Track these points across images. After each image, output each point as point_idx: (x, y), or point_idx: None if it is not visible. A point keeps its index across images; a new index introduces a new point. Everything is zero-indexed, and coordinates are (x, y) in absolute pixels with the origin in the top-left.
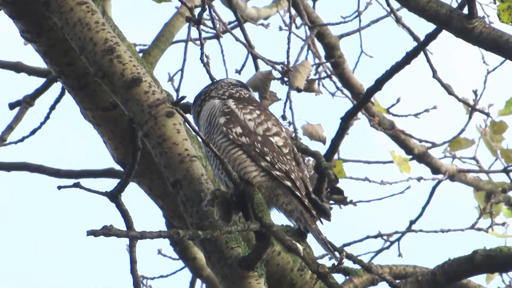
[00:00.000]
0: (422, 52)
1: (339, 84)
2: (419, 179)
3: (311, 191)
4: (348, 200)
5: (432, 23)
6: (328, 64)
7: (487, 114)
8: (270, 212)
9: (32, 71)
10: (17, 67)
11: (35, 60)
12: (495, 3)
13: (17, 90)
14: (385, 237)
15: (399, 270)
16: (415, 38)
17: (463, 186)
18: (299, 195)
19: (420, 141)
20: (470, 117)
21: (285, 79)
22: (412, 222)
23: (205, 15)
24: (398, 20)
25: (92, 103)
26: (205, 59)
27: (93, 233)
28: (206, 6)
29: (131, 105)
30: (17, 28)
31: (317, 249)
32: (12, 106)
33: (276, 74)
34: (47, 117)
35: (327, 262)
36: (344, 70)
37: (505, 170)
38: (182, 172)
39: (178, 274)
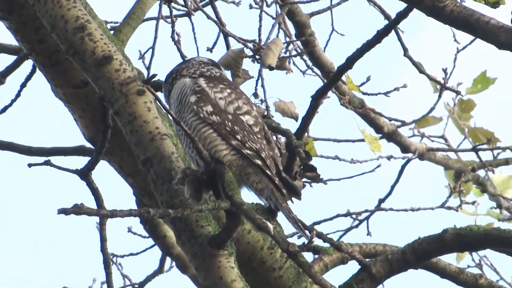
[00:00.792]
0: (393, 31)
1: (309, 63)
2: (389, 157)
3: (281, 169)
4: (320, 177)
5: (403, 1)
6: (299, 43)
7: (458, 92)
8: (240, 191)
9: (3, 49)
10: None
11: (6, 37)
12: None
13: None
14: (354, 216)
15: (369, 249)
16: (386, 17)
17: (432, 165)
18: (269, 173)
19: (390, 119)
20: (439, 96)
21: (257, 57)
22: (381, 201)
23: None
24: None
25: (63, 80)
26: (176, 37)
27: (64, 211)
28: None
29: (102, 83)
30: None
31: (288, 228)
32: None
33: (248, 52)
34: (18, 95)
35: (297, 240)
36: (315, 48)
37: (474, 149)
38: (153, 150)
39: (148, 252)
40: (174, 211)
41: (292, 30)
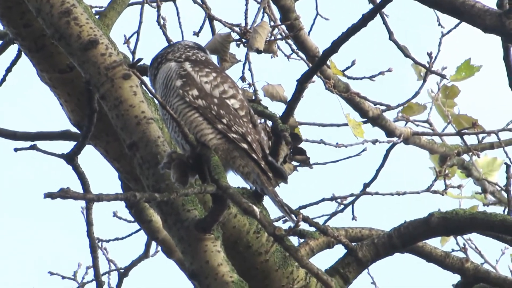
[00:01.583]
0: (378, 15)
1: (294, 47)
2: (374, 142)
3: (267, 153)
4: (309, 160)
5: None
6: (283, 27)
7: (443, 76)
8: (226, 175)
9: None
10: None
11: None
12: None
13: None
14: (339, 200)
15: (355, 233)
16: (371, 1)
17: (417, 149)
18: (256, 157)
19: (375, 104)
20: (424, 80)
21: (243, 40)
22: (367, 185)
23: None
24: None
25: (49, 65)
26: (161, 22)
27: (50, 195)
28: None
29: (87, 67)
30: None
31: (274, 212)
32: None
33: (234, 36)
34: (3, 79)
35: (283, 225)
36: (300, 32)
37: (459, 133)
38: (139, 135)
39: (134, 236)
40: (161, 195)
41: (277, 14)
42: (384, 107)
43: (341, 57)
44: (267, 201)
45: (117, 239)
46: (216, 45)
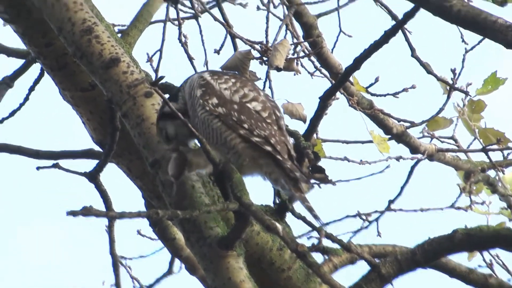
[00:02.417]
0: (400, 31)
1: (317, 64)
2: (398, 158)
3: (294, 154)
4: (329, 178)
5: (410, 1)
6: (306, 44)
7: (466, 93)
8: (249, 192)
9: (11, 52)
10: None
11: (14, 41)
12: None
13: None
14: (364, 217)
15: (379, 249)
16: (394, 17)
17: (442, 166)
18: (280, 158)
19: (399, 120)
20: (448, 96)
21: (264, 58)
22: (391, 202)
23: None
24: None
25: (71, 83)
26: (183, 39)
27: (72, 213)
28: None
29: (109, 85)
30: None
31: (296, 229)
32: None
33: (255, 54)
34: (26, 98)
35: (306, 241)
36: (322, 49)
37: (484, 150)
38: (161, 152)
39: (157, 254)
40: (183, 212)
41: (299, 31)
42: (408, 124)
43: (364, 74)
44: (290, 217)
45: (141, 257)
46: (236, 63)
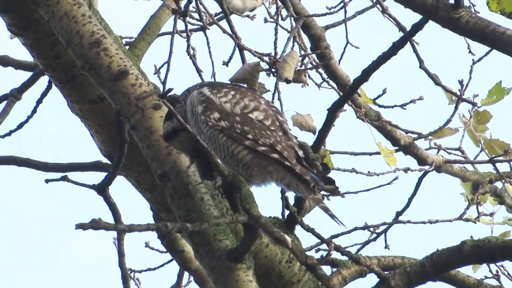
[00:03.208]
0: (408, 43)
1: (325, 76)
2: (406, 170)
3: (302, 157)
4: (338, 190)
5: (418, 13)
6: (314, 56)
7: (474, 104)
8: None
9: (19, 65)
10: (4, 61)
11: (22, 53)
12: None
13: (4, 84)
14: (372, 229)
15: (388, 262)
16: (402, 29)
17: (449, 177)
18: (288, 164)
19: (407, 132)
20: (456, 107)
21: (273, 70)
22: (399, 214)
23: (191, 7)
24: (384, 11)
25: (79, 96)
26: (191, 51)
27: (81, 226)
28: None
29: (118, 98)
30: (4, 21)
31: (305, 241)
32: None
33: (264, 66)
34: (34, 111)
35: (316, 254)
36: (330, 61)
37: (491, 161)
38: (170, 165)
39: (166, 267)
40: (192, 225)
41: (307, 43)
42: (415, 135)
43: (372, 85)
44: (299, 230)
45: (149, 269)
46: (245, 75)
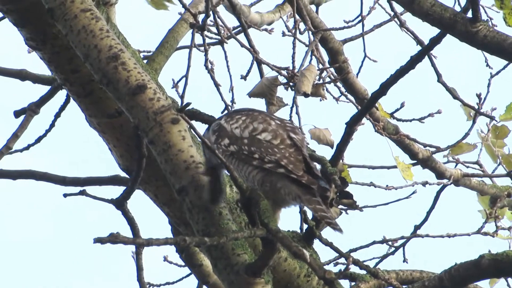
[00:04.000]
0: (426, 56)
1: (343, 89)
2: (424, 184)
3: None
4: (356, 204)
5: (436, 27)
6: (332, 69)
7: (492, 118)
8: (276, 219)
9: (37, 79)
10: (22, 75)
11: (40, 67)
12: (501, 8)
13: (22, 98)
14: (390, 243)
15: (406, 275)
16: (419, 42)
17: (467, 191)
18: (294, 176)
19: (425, 145)
20: (474, 121)
21: (291, 84)
22: (417, 227)
23: (209, 21)
24: (402, 25)
25: (97, 110)
26: (209, 65)
27: (99, 240)
28: (210, 12)
29: (136, 112)
30: (22, 35)
31: (324, 255)
32: (17, 114)
33: (282, 80)
34: (52, 125)
35: (334, 268)
36: (348, 75)
37: (510, 175)
38: (188, 179)
39: (185, 281)
40: (210, 239)
41: (325, 57)
42: (433, 149)
43: (390, 99)
44: (317, 244)
45: (168, 283)
46: (263, 89)
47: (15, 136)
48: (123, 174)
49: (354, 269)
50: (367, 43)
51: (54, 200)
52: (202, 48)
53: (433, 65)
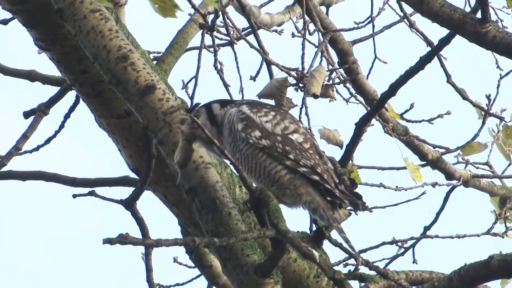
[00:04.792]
0: (436, 57)
1: (352, 90)
2: (434, 185)
3: (337, 182)
4: (366, 205)
5: (446, 28)
6: (342, 70)
7: (501, 118)
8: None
9: (46, 80)
10: (31, 76)
11: (49, 68)
12: (508, 7)
13: (32, 98)
14: (400, 243)
15: (416, 276)
16: (429, 43)
17: (477, 192)
18: (329, 187)
19: (434, 146)
20: (483, 122)
21: (300, 85)
22: (427, 228)
23: (219, 21)
24: (411, 25)
25: (107, 110)
26: (218, 66)
27: (109, 241)
28: (220, 13)
29: (145, 113)
30: (31, 36)
31: (333, 256)
32: (26, 114)
33: (291, 81)
34: (61, 126)
35: (343, 268)
36: (358, 76)
37: None
38: (197, 180)
39: (194, 282)
40: (220, 240)
41: (334, 57)
42: (443, 150)
43: (399, 100)
44: (326, 245)
45: (177, 284)
46: (273, 90)
47: (25, 137)
48: (132, 175)
49: (363, 269)
50: (377, 44)
51: (63, 201)
52: (211, 49)
53: (442, 65)
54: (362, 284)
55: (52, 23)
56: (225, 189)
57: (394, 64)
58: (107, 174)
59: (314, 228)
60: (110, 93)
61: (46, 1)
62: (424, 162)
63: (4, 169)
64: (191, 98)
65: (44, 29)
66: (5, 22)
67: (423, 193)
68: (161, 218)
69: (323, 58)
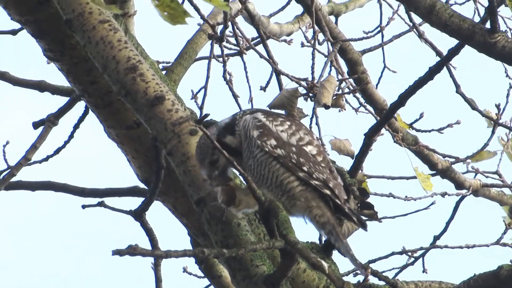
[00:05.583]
0: (445, 67)
1: (362, 100)
2: (443, 194)
3: (347, 198)
4: (377, 215)
5: (455, 38)
6: (351, 80)
7: (510, 128)
8: (294, 229)
9: (56, 90)
10: (41, 86)
11: (58, 79)
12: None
13: (41, 109)
14: (409, 253)
15: (425, 286)
16: (438, 53)
17: (487, 201)
18: (339, 202)
19: (444, 156)
20: (493, 132)
21: (310, 95)
22: (436, 238)
23: (228, 32)
24: (420, 35)
25: (116, 121)
26: (228, 77)
27: (118, 252)
28: (229, 23)
29: (154, 123)
30: (40, 47)
31: (343, 266)
32: (36, 125)
33: (301, 91)
34: (71, 136)
35: (353, 279)
36: (367, 85)
37: None
38: (207, 190)
39: None
40: (229, 250)
41: (344, 67)
42: (453, 159)
43: (409, 109)
44: (336, 255)
45: None
46: (283, 101)
47: (34, 147)
48: (142, 186)
49: (373, 280)
50: (386, 53)
51: (73, 211)
52: (220, 59)
53: (451, 75)
54: None
55: (61, 34)
56: None
57: (403, 73)
58: (116, 185)
59: (323, 238)
60: (119, 104)
61: (55, 12)
62: (434, 172)
63: (14, 179)
64: (201, 108)
65: (53, 40)
66: (14, 32)
67: (432, 203)
68: (170, 229)
69: (333, 68)
